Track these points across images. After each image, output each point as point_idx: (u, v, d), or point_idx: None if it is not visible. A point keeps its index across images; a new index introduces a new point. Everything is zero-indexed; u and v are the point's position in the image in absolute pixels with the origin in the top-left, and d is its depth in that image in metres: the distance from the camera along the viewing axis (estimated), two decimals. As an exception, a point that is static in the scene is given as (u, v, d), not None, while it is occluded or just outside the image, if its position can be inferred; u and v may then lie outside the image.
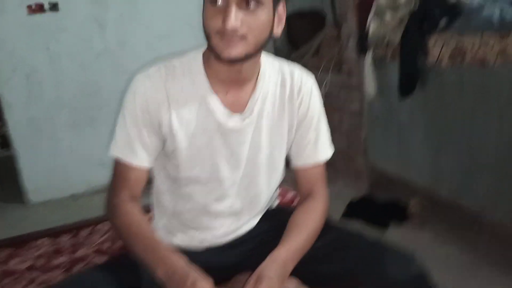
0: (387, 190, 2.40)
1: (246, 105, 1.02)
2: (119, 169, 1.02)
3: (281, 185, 1.21)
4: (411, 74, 1.98)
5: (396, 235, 2.04)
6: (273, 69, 1.07)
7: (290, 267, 0.96)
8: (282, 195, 1.34)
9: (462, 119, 1.87)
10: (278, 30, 0.96)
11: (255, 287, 0.87)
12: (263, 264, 0.93)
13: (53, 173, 3.07)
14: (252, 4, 0.87)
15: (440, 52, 1.86)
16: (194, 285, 0.82)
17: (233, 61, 0.92)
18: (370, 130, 2.52)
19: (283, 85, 1.06)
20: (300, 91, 1.07)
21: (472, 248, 1.85)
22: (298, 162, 1.12)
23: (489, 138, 1.77)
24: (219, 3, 0.88)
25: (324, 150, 1.12)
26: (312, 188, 1.11)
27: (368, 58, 2.29)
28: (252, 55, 0.94)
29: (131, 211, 0.98)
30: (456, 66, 1.83)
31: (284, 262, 0.94)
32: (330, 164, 1.15)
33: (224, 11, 0.87)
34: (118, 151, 1.01)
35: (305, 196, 1.11)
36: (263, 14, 0.89)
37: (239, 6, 0.87)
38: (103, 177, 3.11)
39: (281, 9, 0.95)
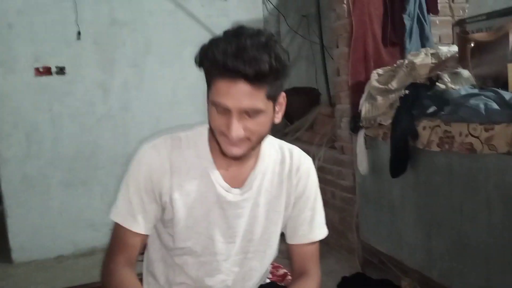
0: (379, 268, 2.39)
1: (246, 180, 1.06)
2: (118, 234, 1.04)
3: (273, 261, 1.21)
4: (401, 156, 2.05)
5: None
6: (273, 148, 1.12)
7: None
8: (273, 272, 1.34)
9: (451, 204, 1.91)
10: (279, 117, 1.01)
11: None
12: None
13: (40, 233, 3.03)
14: (254, 113, 0.92)
15: (429, 136, 1.95)
16: None
17: (236, 159, 0.98)
18: (362, 207, 2.55)
19: (282, 163, 1.11)
20: (298, 170, 1.11)
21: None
22: (293, 240, 1.14)
23: (479, 224, 1.79)
24: (224, 112, 0.92)
25: (319, 230, 1.14)
26: (305, 267, 1.12)
27: (360, 137, 2.38)
28: (254, 148, 1.00)
29: (126, 276, 0.99)
30: (445, 151, 1.91)
31: None
32: (322, 239, 1.16)
33: (227, 119, 0.91)
34: (119, 216, 1.03)
35: (298, 274, 1.12)
36: (264, 117, 0.94)
37: (241, 115, 0.91)
38: (91, 239, 3.12)
39: (281, 99, 1.00)
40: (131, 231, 1.02)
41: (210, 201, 1.04)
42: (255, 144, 0.98)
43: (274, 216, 1.10)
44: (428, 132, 1.95)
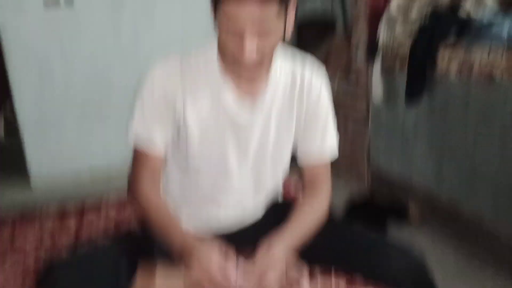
0: (388, 194, 2.45)
1: (257, 99, 1.06)
2: (138, 153, 1.06)
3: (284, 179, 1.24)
4: (418, 84, 2.04)
5: (394, 236, 2.09)
6: (285, 64, 1.10)
7: (291, 251, 0.99)
8: (285, 190, 1.38)
9: (466, 131, 1.92)
10: (288, 34, 0.98)
11: (266, 255, 0.92)
12: (272, 237, 0.96)
13: (57, 161, 3.10)
14: (265, 33, 0.89)
15: (448, 64, 1.92)
16: (199, 256, 0.88)
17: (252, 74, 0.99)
18: (374, 136, 2.57)
19: (293, 80, 1.09)
20: (310, 87, 1.10)
21: (467, 253, 1.90)
22: (304, 157, 1.14)
23: (492, 150, 1.81)
24: (234, 35, 0.90)
25: (331, 147, 1.14)
26: (316, 183, 1.14)
27: (377, 66, 2.35)
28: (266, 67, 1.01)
29: (151, 193, 1.03)
30: (463, 79, 1.89)
31: (290, 244, 0.98)
32: (332, 168, 1.17)
33: (240, 42, 0.89)
34: (136, 135, 1.05)
35: (309, 190, 1.14)
36: (275, 36, 0.92)
37: (253, 36, 0.89)
38: (106, 166, 3.18)
39: (291, 16, 0.97)
40: (150, 148, 1.04)
41: (222, 121, 1.05)
42: (267, 63, 0.98)
43: (285, 135, 1.11)
44: (446, 60, 1.93)
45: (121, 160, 3.16)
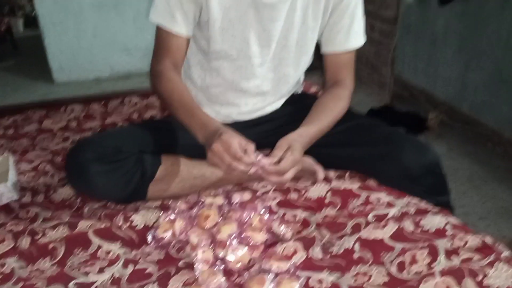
0: (409, 102, 2.42)
1: None
2: (161, 37, 1.04)
3: (306, 79, 1.20)
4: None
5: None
6: None
7: (309, 145, 0.98)
8: (305, 89, 1.34)
9: (497, 36, 1.82)
10: None
11: (284, 153, 0.89)
12: (291, 136, 0.95)
13: (78, 54, 3.10)
14: None
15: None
16: (220, 136, 0.86)
17: None
18: (401, 39, 2.46)
19: None
20: None
21: (482, 163, 1.91)
22: (329, 47, 1.10)
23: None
24: None
25: (357, 38, 1.09)
26: (339, 75, 1.11)
27: (412, -39, 2.17)
28: None
29: (173, 78, 1.01)
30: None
31: (309, 138, 0.98)
32: (355, 74, 1.13)
33: None
34: (158, 17, 1.02)
35: (332, 82, 1.11)
36: None
37: None
38: (126, 63, 3.18)
39: None
40: (172, 31, 1.01)
41: (246, 2, 1.00)
42: None
43: (311, 22, 1.06)
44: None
45: (140, 59, 3.15)
